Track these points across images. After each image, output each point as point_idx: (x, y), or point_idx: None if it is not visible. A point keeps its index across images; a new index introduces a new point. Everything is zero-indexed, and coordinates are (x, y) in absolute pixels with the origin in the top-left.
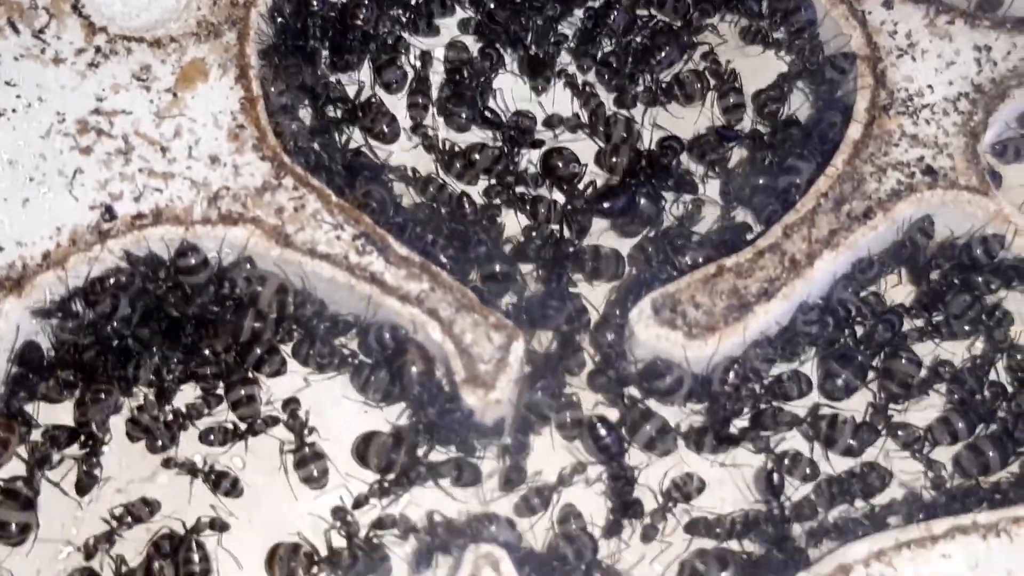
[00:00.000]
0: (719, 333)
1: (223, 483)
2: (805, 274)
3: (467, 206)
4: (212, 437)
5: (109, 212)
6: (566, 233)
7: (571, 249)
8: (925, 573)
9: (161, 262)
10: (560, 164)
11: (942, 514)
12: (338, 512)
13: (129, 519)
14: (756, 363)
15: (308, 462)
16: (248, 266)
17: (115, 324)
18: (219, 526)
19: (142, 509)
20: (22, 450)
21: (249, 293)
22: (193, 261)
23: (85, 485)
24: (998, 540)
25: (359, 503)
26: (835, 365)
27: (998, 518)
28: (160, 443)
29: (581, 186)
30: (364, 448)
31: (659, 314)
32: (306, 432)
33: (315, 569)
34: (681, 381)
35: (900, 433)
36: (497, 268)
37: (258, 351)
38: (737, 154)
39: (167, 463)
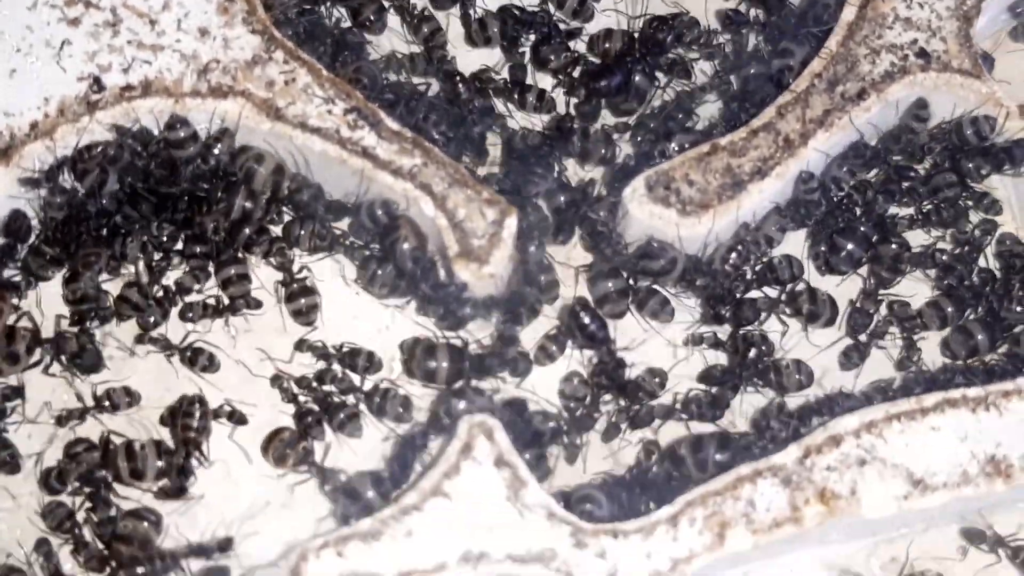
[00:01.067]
0: (713, 210)
1: (199, 359)
2: (799, 153)
3: (460, 84)
4: (191, 314)
5: (97, 83)
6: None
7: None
8: (915, 445)
9: (150, 135)
10: (552, 57)
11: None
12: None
13: (107, 403)
14: (769, 232)
15: (298, 296)
16: (228, 140)
17: (103, 199)
18: (237, 418)
19: (122, 398)
20: None
21: (245, 170)
22: (183, 134)
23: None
24: (987, 413)
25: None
26: (839, 238)
27: (987, 392)
28: (152, 319)
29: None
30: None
31: (653, 191)
32: (295, 269)
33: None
34: (675, 262)
35: (896, 308)
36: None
37: (247, 231)
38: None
39: (140, 339)
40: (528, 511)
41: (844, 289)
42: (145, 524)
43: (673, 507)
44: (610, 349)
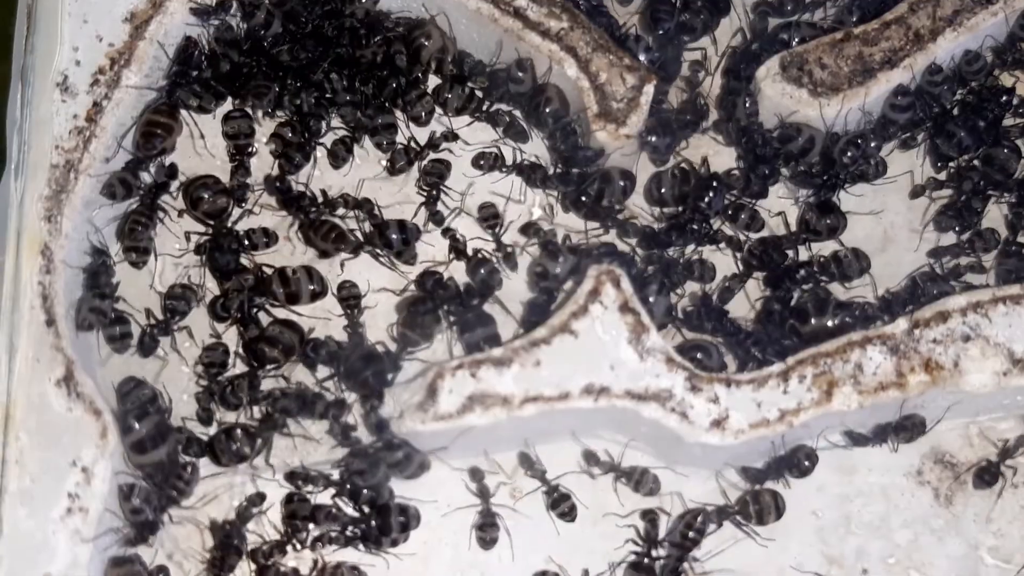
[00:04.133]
0: (843, 94)
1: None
2: (927, 48)
3: None
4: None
5: None
6: None
7: None
8: (1018, 327)
9: None
10: None
11: None
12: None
13: (247, 243)
14: (888, 113)
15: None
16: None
17: (267, 40)
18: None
19: (260, 238)
20: None
21: (414, 44)
22: None
23: (240, 197)
24: None
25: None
26: (953, 125)
27: None
28: (296, 161)
29: None
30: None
31: (786, 71)
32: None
33: None
34: (813, 141)
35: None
36: None
37: (397, 84)
38: None
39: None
40: (648, 354)
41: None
42: (292, 333)
43: (785, 364)
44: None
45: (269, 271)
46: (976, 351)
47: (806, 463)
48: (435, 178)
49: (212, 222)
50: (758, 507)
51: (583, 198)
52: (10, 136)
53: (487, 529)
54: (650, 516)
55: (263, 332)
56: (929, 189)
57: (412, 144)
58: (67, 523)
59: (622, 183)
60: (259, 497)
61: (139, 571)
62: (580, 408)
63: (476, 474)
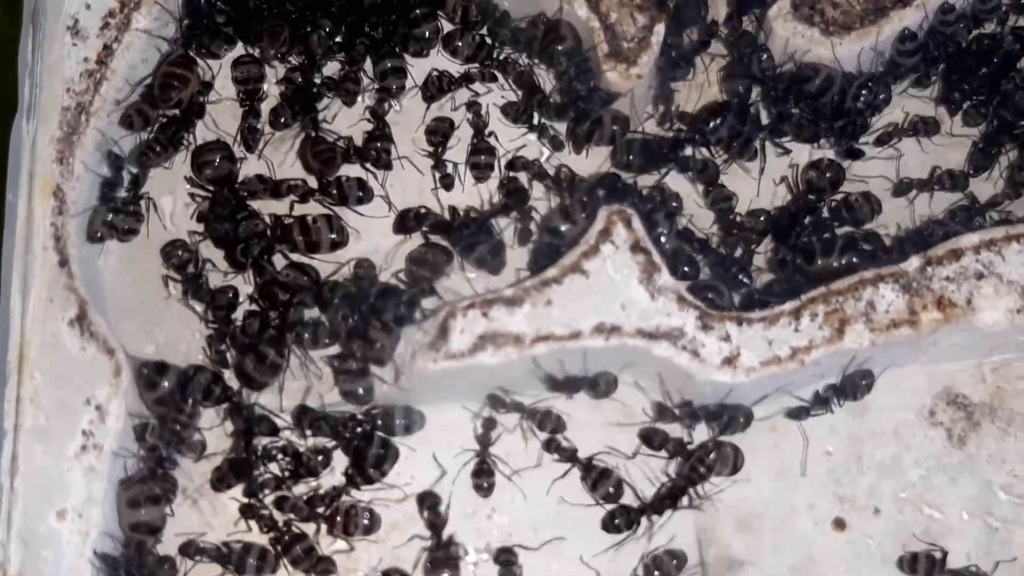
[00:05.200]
0: (855, 33)
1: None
2: None
3: None
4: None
5: None
6: None
7: None
8: None
9: None
10: None
11: None
12: None
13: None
14: (895, 57)
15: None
16: None
17: None
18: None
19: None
20: None
21: None
22: None
23: (250, 141)
24: None
25: None
26: (968, 62)
27: None
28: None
29: None
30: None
31: (798, 10)
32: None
33: None
34: (831, 80)
35: None
36: None
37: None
38: None
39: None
40: (659, 293)
41: None
42: (304, 278)
43: (796, 301)
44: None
45: (289, 220)
46: (989, 289)
47: (741, 420)
48: (439, 137)
49: (215, 188)
50: (715, 457)
51: (574, 137)
52: (22, 79)
53: (483, 476)
54: None
55: (276, 276)
56: (916, 189)
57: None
58: (82, 460)
59: (613, 127)
60: (267, 427)
61: (153, 489)
62: (591, 347)
63: (490, 423)
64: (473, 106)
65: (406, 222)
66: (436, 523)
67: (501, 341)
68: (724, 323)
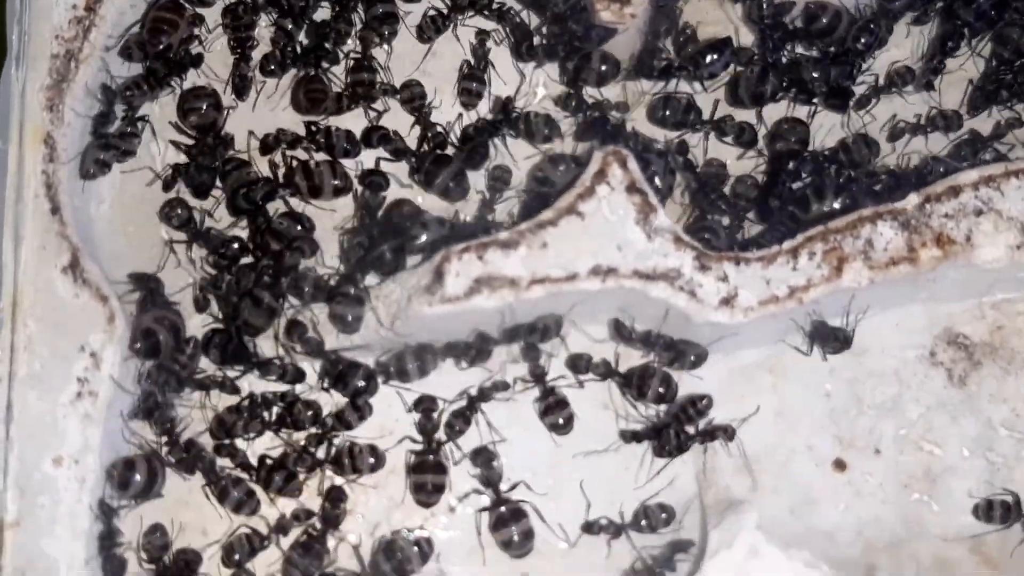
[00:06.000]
0: None
1: None
2: None
3: None
4: None
5: None
6: None
7: None
8: None
9: None
10: None
11: None
12: None
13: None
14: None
15: None
16: None
17: None
18: None
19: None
20: None
21: None
22: None
23: (241, 88)
24: None
25: None
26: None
27: None
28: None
29: None
30: None
31: None
32: None
33: None
34: (839, 16)
35: None
36: None
37: None
38: None
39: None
40: (656, 234)
41: None
42: (298, 227)
43: (794, 240)
44: None
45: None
46: (989, 225)
47: (691, 357)
48: (419, 100)
49: (198, 135)
50: (642, 384)
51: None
52: (10, 26)
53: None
54: None
55: (270, 223)
56: (908, 133)
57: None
58: (77, 407)
59: (602, 67)
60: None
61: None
62: (587, 290)
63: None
64: (481, 34)
65: (369, 136)
66: (427, 428)
67: (497, 284)
68: (722, 263)
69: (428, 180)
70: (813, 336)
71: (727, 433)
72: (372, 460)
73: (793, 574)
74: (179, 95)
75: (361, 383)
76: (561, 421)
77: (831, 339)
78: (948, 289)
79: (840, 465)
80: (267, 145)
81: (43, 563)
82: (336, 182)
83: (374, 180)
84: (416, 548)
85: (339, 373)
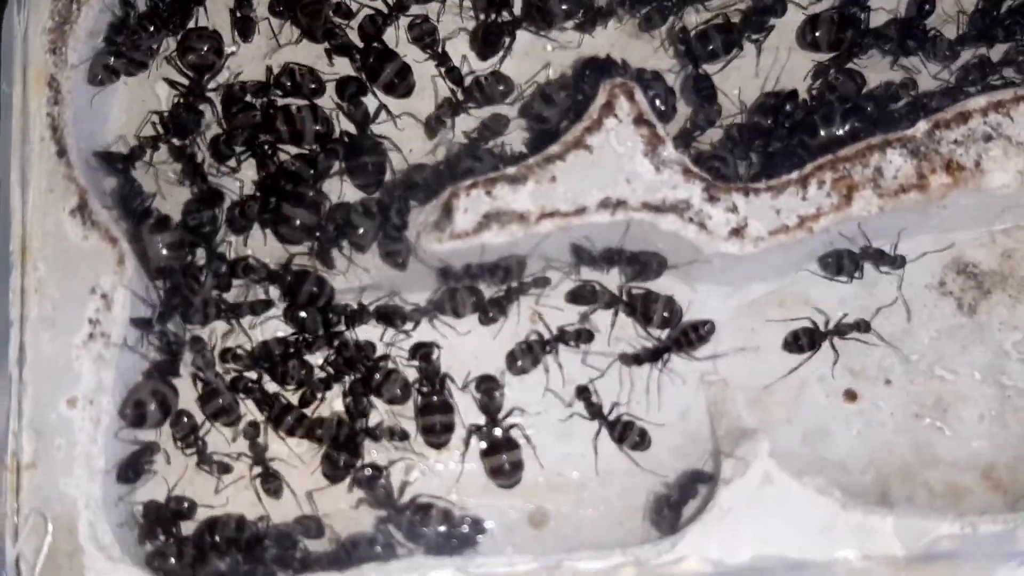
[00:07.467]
0: None
1: None
2: None
3: None
4: None
5: None
6: None
7: None
8: None
9: None
10: None
11: None
12: None
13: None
14: None
15: None
16: None
17: None
18: None
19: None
20: None
21: None
22: None
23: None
24: None
25: None
26: None
27: None
28: None
29: None
30: None
31: None
32: None
33: None
34: None
35: None
36: None
37: None
38: None
39: None
40: (664, 166)
41: None
42: (311, 171)
43: (803, 169)
44: None
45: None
46: (998, 151)
47: (654, 265)
48: (430, 38)
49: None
50: (453, 303)
51: None
52: None
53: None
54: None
55: (281, 165)
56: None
57: None
58: (89, 348)
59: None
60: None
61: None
62: (597, 223)
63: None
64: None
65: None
66: (428, 371)
67: (505, 219)
68: (731, 194)
69: (372, 76)
70: (860, 258)
71: (860, 328)
72: (400, 392)
73: (806, 500)
74: (181, 34)
75: (314, 288)
76: (638, 439)
77: (884, 260)
78: (958, 217)
79: (851, 396)
80: (232, 95)
81: (60, 504)
82: (318, 127)
83: (349, 90)
84: (467, 527)
85: (289, 285)
